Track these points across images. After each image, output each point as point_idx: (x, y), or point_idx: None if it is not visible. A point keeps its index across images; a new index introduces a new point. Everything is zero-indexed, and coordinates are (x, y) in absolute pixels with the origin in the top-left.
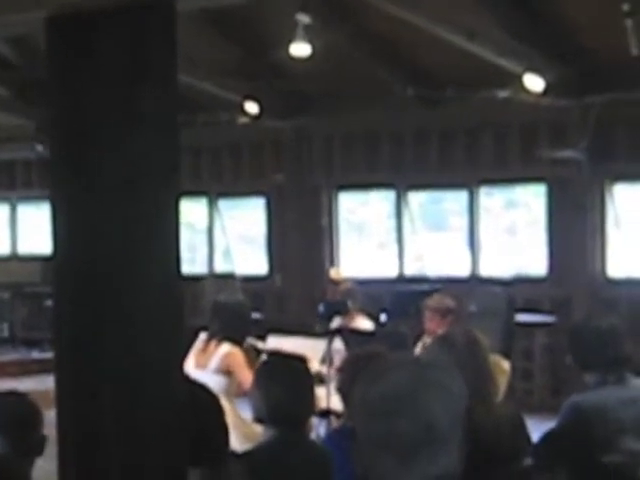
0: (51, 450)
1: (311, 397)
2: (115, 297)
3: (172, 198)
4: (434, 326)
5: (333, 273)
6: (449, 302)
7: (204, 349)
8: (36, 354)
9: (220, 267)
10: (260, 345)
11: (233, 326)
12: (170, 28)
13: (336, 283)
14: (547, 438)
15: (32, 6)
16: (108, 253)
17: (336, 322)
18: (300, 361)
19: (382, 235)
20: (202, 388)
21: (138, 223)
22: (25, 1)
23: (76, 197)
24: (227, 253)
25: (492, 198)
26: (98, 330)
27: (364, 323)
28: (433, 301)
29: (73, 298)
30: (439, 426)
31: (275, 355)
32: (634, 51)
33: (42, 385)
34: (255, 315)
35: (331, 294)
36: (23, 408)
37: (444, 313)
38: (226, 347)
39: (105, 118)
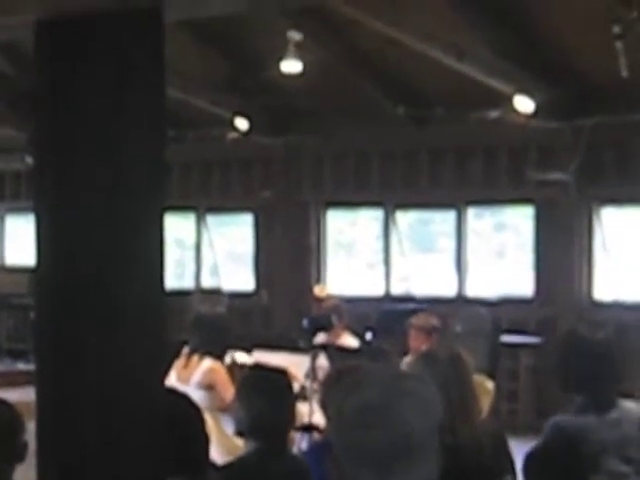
0: (32, 460)
1: (292, 410)
2: (97, 310)
3: (157, 210)
4: (419, 344)
5: (317, 290)
6: (434, 321)
7: (186, 364)
8: (21, 365)
9: (207, 283)
10: (243, 360)
11: (213, 339)
12: (157, 36)
13: (320, 300)
14: (530, 457)
15: (19, 10)
16: (90, 265)
17: (320, 338)
18: (282, 374)
19: (370, 255)
20: (184, 399)
21: (122, 236)
22: (12, 4)
23: (59, 208)
24: (214, 269)
25: (482, 220)
26: (79, 342)
27: (350, 340)
28: (418, 320)
29: (54, 310)
30: (415, 436)
31: (257, 368)
32: (624, 73)
33: (27, 396)
34: (241, 331)
35: (316, 311)
36: (4, 414)
37: (429, 332)
38: (208, 362)
39: (90, 127)
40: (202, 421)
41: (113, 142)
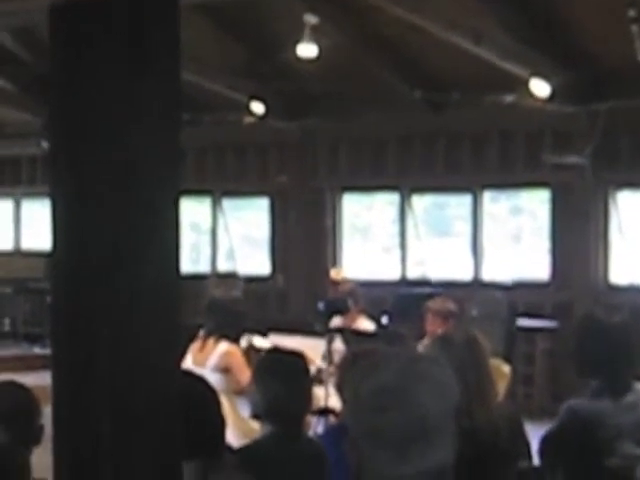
0: (49, 444)
1: (309, 393)
2: (112, 294)
3: (172, 194)
4: (435, 328)
5: (333, 273)
6: (451, 305)
7: (201, 347)
8: (38, 349)
9: (223, 267)
10: (259, 343)
11: (228, 323)
12: (173, 21)
13: (336, 283)
14: (545, 440)
15: None
16: (106, 250)
17: (336, 321)
18: (299, 357)
19: (386, 239)
20: (200, 381)
21: (137, 220)
22: None
23: (74, 193)
24: (230, 253)
25: (498, 204)
26: (94, 326)
27: (365, 324)
28: (435, 304)
29: (69, 295)
30: (431, 418)
31: (274, 351)
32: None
33: (43, 380)
34: (257, 315)
35: (332, 295)
36: (21, 397)
37: (445, 316)
38: (224, 345)
39: (105, 112)
40: (218, 404)
41: (128, 127)
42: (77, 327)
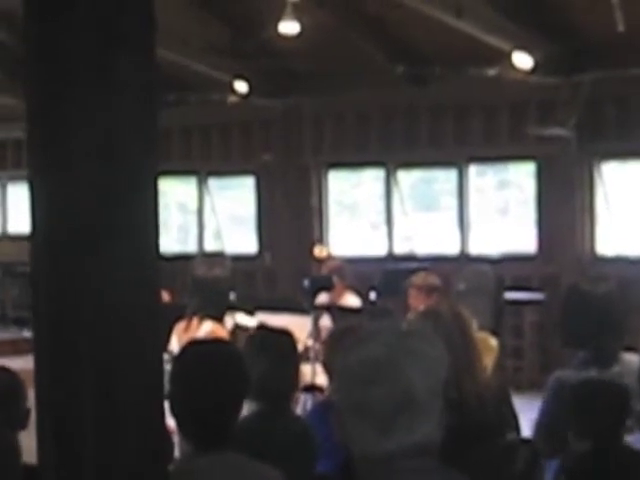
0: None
1: (296, 371)
2: (92, 273)
3: (150, 170)
4: (419, 304)
5: (317, 251)
6: (434, 280)
7: (186, 327)
8: (27, 333)
9: (210, 246)
10: (245, 322)
11: (210, 302)
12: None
13: (320, 261)
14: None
15: None
16: (84, 228)
17: (323, 298)
18: (286, 335)
19: (373, 215)
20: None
21: (115, 198)
22: None
23: (52, 175)
24: (217, 232)
25: (484, 178)
26: (75, 306)
27: (352, 300)
28: (418, 279)
29: (50, 275)
30: (417, 393)
31: (262, 329)
32: (620, 28)
33: (31, 364)
34: (244, 294)
35: (316, 272)
36: (7, 381)
37: (429, 291)
38: (209, 325)
39: (81, 89)
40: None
41: (104, 104)
42: (58, 308)
